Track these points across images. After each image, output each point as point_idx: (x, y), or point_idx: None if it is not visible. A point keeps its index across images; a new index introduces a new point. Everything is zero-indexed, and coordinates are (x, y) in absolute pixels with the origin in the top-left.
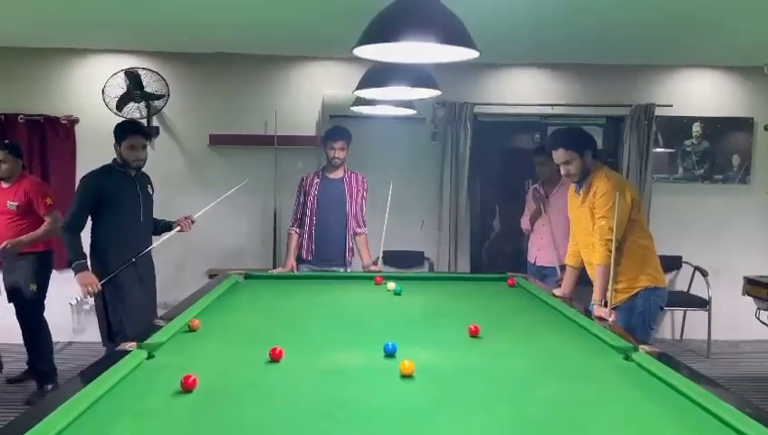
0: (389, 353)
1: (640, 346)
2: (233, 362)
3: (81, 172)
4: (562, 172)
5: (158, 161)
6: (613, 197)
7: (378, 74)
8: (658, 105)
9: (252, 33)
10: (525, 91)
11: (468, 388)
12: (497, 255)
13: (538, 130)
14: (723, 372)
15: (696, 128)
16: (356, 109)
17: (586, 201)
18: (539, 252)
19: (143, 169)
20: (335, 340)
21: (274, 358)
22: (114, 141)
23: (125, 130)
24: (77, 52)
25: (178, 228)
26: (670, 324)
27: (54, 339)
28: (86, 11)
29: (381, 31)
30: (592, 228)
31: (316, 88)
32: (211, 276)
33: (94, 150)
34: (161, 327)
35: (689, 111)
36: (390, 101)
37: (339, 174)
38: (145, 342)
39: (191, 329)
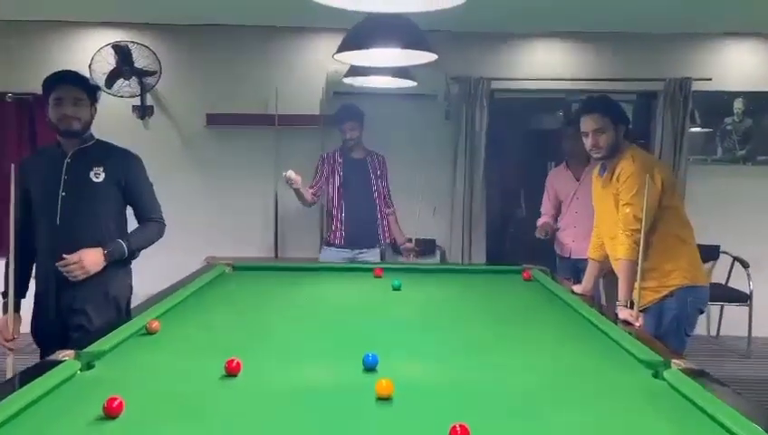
0: (369, 367)
1: (673, 360)
2: (180, 378)
3: None
4: (589, 143)
5: (154, 142)
6: (639, 181)
7: (359, 35)
8: (695, 79)
9: (248, 1)
10: (547, 64)
11: (456, 415)
12: (520, 243)
13: (561, 108)
14: (764, 373)
15: (738, 104)
16: (348, 81)
17: (609, 186)
18: (574, 243)
19: (108, 143)
20: (310, 348)
21: (230, 372)
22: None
23: (50, 81)
24: (65, 24)
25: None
26: (706, 320)
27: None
28: None
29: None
30: (617, 218)
31: (319, 63)
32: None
33: None
34: (113, 329)
35: (730, 86)
36: (384, 69)
37: (360, 154)
38: (85, 350)
39: (149, 332)
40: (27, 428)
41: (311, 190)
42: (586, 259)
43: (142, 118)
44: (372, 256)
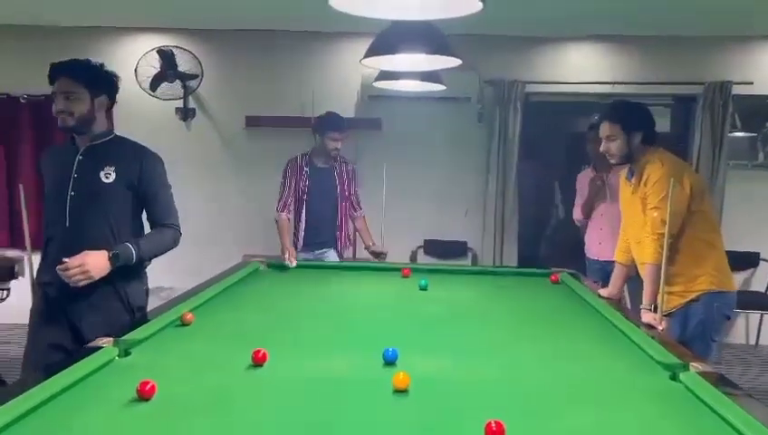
0: (389, 361)
1: (691, 364)
2: (210, 366)
3: None
4: (601, 148)
5: (196, 143)
6: (667, 185)
7: (385, 41)
8: (736, 83)
9: (287, 7)
10: (582, 67)
11: (471, 411)
12: (555, 246)
13: (597, 112)
14: None
15: None
16: (378, 84)
17: (637, 190)
18: (600, 245)
19: (126, 140)
20: (335, 342)
21: (257, 362)
22: None
23: (50, 74)
24: (111, 30)
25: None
26: (744, 328)
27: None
28: None
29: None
30: (644, 222)
31: (354, 66)
32: None
33: (132, 132)
34: (149, 320)
35: None
36: (413, 73)
37: (327, 162)
38: (123, 337)
39: (183, 323)
40: (68, 406)
41: (283, 214)
42: (614, 261)
43: (184, 120)
44: (332, 256)
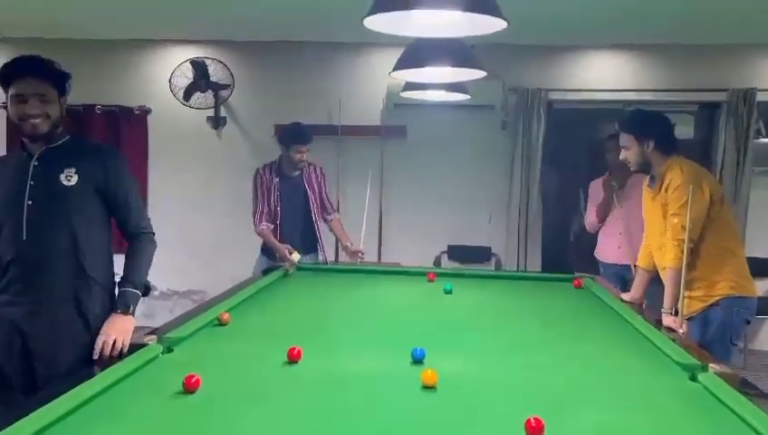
0: (417, 360)
1: (710, 365)
2: (248, 362)
3: (152, 161)
4: (620, 157)
5: (226, 151)
6: (687, 191)
7: (413, 54)
8: (760, 89)
9: (315, 19)
10: (606, 75)
11: (496, 407)
12: (579, 252)
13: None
14: None
15: None
16: (405, 94)
17: (658, 197)
18: (619, 250)
19: (82, 139)
20: (364, 341)
21: (292, 359)
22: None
23: (8, 72)
24: (147, 42)
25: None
26: None
27: None
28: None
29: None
30: (665, 228)
31: (380, 76)
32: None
33: (166, 140)
34: (189, 320)
35: None
36: (440, 84)
37: (297, 171)
38: (166, 335)
39: (221, 323)
40: (120, 397)
41: (263, 225)
42: (631, 266)
43: (216, 128)
44: (309, 260)
